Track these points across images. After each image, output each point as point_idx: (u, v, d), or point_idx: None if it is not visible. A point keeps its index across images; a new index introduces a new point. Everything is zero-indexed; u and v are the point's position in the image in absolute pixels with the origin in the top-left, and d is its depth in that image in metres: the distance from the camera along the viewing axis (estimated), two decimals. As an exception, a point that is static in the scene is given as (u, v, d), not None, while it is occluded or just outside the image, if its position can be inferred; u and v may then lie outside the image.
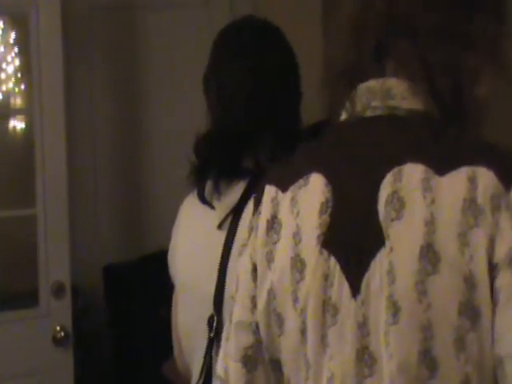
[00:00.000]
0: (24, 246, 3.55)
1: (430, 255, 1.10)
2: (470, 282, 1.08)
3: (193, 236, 1.83)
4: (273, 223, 1.29)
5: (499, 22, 1.27)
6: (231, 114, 1.76)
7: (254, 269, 1.30)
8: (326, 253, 1.20)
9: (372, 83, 1.26)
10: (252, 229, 1.33)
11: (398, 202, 1.14)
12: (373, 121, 1.25)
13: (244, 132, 1.75)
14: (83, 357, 3.49)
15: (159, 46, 3.99)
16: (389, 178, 1.15)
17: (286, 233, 1.26)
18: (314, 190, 1.24)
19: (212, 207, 1.75)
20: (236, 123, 1.75)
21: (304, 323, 1.22)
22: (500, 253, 1.08)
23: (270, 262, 1.28)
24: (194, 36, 3.87)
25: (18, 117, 4.05)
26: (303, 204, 1.25)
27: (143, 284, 3.56)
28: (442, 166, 1.13)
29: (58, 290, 3.17)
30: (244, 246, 1.35)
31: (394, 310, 1.11)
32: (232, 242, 1.69)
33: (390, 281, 1.12)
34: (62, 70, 3.18)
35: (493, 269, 1.08)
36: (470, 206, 1.09)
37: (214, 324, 1.69)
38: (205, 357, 1.70)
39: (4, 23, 3.80)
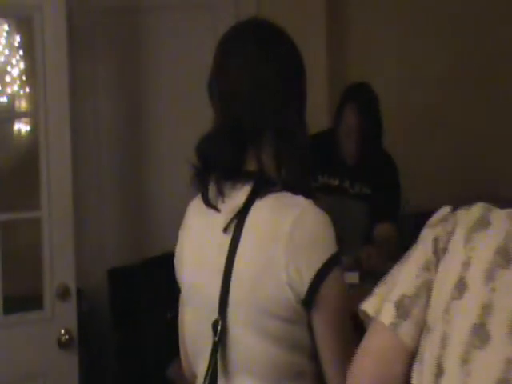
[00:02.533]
0: (29, 248, 3.55)
1: None
2: None
3: (199, 239, 1.83)
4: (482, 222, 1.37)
5: None
6: (233, 114, 1.75)
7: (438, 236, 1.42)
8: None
9: None
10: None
11: None
12: None
13: (247, 134, 1.74)
14: (88, 359, 3.49)
15: (164, 48, 4.00)
16: None
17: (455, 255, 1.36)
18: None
19: (217, 210, 1.75)
20: (239, 125, 1.75)
21: (447, 333, 1.30)
22: None
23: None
24: (199, 37, 3.87)
25: (23, 119, 4.05)
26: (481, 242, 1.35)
27: (147, 287, 3.56)
28: None
29: (63, 293, 3.16)
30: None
31: None
32: (237, 246, 1.69)
33: None
34: (66, 73, 3.18)
35: None
36: None
37: (219, 328, 1.68)
38: (210, 360, 1.70)
39: (9, 26, 3.80)
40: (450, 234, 1.36)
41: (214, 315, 1.69)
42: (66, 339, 3.16)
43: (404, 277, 1.41)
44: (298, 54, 1.82)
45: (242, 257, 1.68)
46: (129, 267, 3.70)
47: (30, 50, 3.47)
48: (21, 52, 3.93)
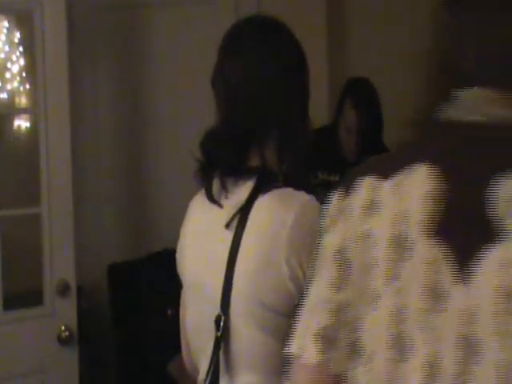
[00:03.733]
0: (29, 244, 3.55)
1: None
2: None
3: (201, 235, 1.83)
4: (370, 206, 1.31)
5: None
6: (237, 111, 1.76)
7: (344, 247, 1.32)
8: (432, 240, 1.22)
9: (477, 91, 1.30)
10: (340, 212, 1.35)
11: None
12: (481, 126, 1.29)
13: (250, 130, 1.75)
14: (88, 356, 3.49)
15: (164, 45, 4.00)
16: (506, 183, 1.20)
17: (386, 214, 1.29)
18: (420, 179, 1.27)
19: (220, 206, 1.75)
20: (242, 121, 1.75)
21: (403, 304, 1.24)
22: None
23: (366, 239, 1.30)
24: (199, 34, 3.87)
25: (23, 116, 4.05)
26: (408, 191, 1.28)
27: (148, 282, 3.56)
28: None
29: (63, 289, 3.17)
30: (328, 227, 1.36)
31: (507, 298, 1.14)
32: (239, 242, 1.69)
33: (503, 272, 1.16)
34: (66, 69, 3.18)
35: None
36: None
37: (221, 323, 1.68)
38: (212, 356, 1.70)
39: (9, 23, 3.80)
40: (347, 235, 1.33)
41: (217, 310, 1.69)
42: (66, 335, 3.16)
43: (316, 305, 1.34)
44: (301, 51, 1.83)
45: (245, 252, 1.68)
46: (129, 263, 3.70)
47: (29, 46, 3.47)
48: (21, 48, 3.93)
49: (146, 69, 4.05)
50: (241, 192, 1.72)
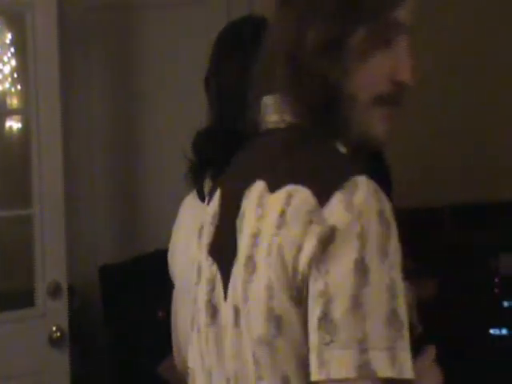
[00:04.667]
0: (20, 246, 3.55)
1: (250, 265, 1.22)
2: (270, 290, 1.18)
3: (192, 235, 1.83)
4: (203, 225, 1.44)
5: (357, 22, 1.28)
6: (230, 112, 1.76)
7: None
8: (210, 260, 1.35)
9: (263, 99, 1.37)
10: None
11: (242, 218, 1.27)
12: (260, 136, 1.38)
13: (242, 131, 1.75)
14: (79, 356, 3.49)
15: (156, 46, 4.00)
16: (245, 195, 1.28)
17: (202, 238, 1.42)
18: (213, 203, 1.40)
19: (212, 206, 1.75)
20: (235, 121, 1.75)
21: (198, 322, 1.38)
22: (303, 261, 1.16)
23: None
24: (191, 35, 3.87)
25: (15, 117, 4.04)
26: (207, 216, 1.41)
27: (139, 284, 3.56)
28: (275, 183, 1.23)
29: (55, 290, 3.16)
30: None
31: (235, 314, 1.25)
32: None
33: (233, 288, 1.26)
34: (58, 71, 3.18)
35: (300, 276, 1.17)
36: (280, 218, 1.19)
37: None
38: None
39: (0, 23, 3.79)
40: None
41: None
42: (58, 336, 3.16)
43: None
44: None
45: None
46: (120, 264, 3.70)
47: (21, 47, 3.46)
48: (12, 49, 3.93)
49: (137, 69, 4.05)
50: (232, 192, 1.72)
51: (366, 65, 1.28)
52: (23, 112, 3.68)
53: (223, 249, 1.31)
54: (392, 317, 1.13)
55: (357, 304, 1.12)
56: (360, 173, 1.19)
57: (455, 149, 4.34)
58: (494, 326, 3.72)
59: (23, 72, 3.51)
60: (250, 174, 1.30)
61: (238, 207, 1.28)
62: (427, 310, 3.66)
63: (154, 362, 2.96)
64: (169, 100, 3.97)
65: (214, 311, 1.32)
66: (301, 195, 1.19)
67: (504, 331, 3.72)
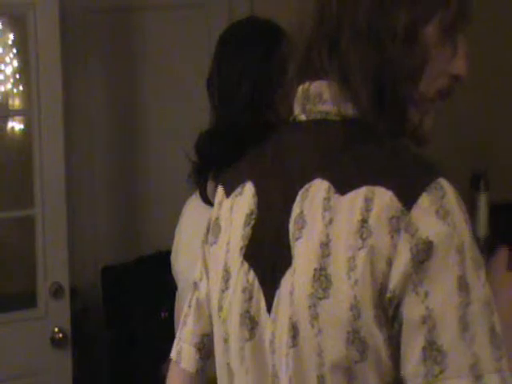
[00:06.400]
0: (22, 247, 3.55)
1: (321, 279, 1.07)
2: (355, 309, 1.04)
3: (195, 236, 1.83)
4: (214, 225, 1.30)
5: (432, 16, 1.17)
6: (233, 113, 1.76)
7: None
8: (246, 265, 1.20)
9: (306, 85, 1.22)
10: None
11: (301, 221, 1.12)
12: (301, 127, 1.23)
13: (246, 131, 1.75)
14: (81, 358, 3.49)
15: (156, 47, 3.99)
16: (298, 197, 1.14)
17: (222, 239, 1.27)
18: (244, 199, 1.24)
19: (215, 207, 1.75)
20: (238, 122, 1.75)
21: (227, 333, 1.23)
22: (395, 279, 1.03)
23: (207, 263, 1.33)
24: (191, 37, 3.87)
25: (17, 118, 4.04)
26: (236, 213, 1.25)
27: (141, 285, 3.55)
28: (344, 183, 1.09)
29: (57, 291, 3.16)
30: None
31: (293, 332, 1.10)
32: None
33: (290, 302, 1.11)
34: (60, 71, 3.18)
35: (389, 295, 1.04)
36: (362, 227, 1.05)
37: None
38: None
39: (2, 24, 3.79)
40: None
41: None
42: (60, 337, 3.16)
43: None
44: None
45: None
46: (122, 266, 3.69)
47: (23, 48, 3.46)
48: (14, 50, 3.92)
49: (138, 70, 4.04)
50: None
51: (435, 57, 1.18)
52: (25, 113, 3.68)
53: (267, 255, 1.17)
54: (494, 334, 1.03)
55: (464, 326, 1.01)
56: (441, 175, 1.07)
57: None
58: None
59: (25, 73, 3.51)
60: (300, 171, 1.16)
61: (288, 209, 1.14)
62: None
63: (157, 363, 2.95)
64: (171, 101, 3.96)
65: (252, 325, 1.18)
66: (382, 198, 1.05)
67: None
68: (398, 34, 1.14)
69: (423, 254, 1.01)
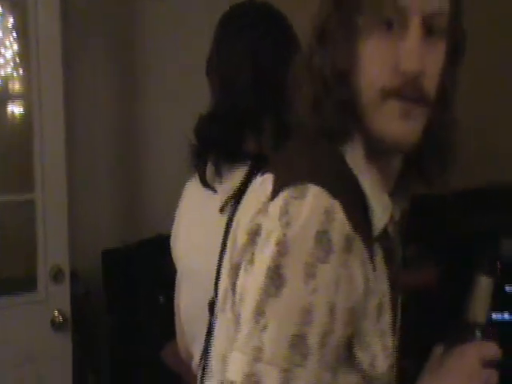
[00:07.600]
0: (22, 230, 3.55)
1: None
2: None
3: (195, 220, 1.83)
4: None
5: None
6: (233, 96, 1.76)
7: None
8: None
9: None
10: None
11: None
12: None
13: (246, 115, 1.75)
14: (81, 341, 3.50)
15: (158, 31, 3.98)
16: None
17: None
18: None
19: (214, 191, 1.75)
20: (238, 106, 1.75)
21: None
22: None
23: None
24: (193, 23, 3.86)
25: (17, 101, 4.03)
26: None
27: (141, 268, 3.56)
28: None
29: (57, 275, 3.17)
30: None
31: None
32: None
33: None
34: (60, 55, 3.17)
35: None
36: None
37: (215, 308, 1.69)
38: (205, 341, 1.71)
39: (2, 8, 3.77)
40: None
41: (210, 295, 1.70)
42: (60, 321, 3.17)
43: None
44: (296, 37, 1.82)
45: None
46: (123, 249, 3.70)
47: (23, 32, 3.45)
48: (14, 34, 3.91)
49: (140, 54, 4.04)
50: (235, 177, 1.72)
51: (365, 52, 1.16)
52: (25, 97, 3.67)
53: None
54: (298, 341, 1.07)
55: (259, 311, 1.10)
56: (323, 184, 1.08)
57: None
58: (495, 311, 3.73)
59: (25, 57, 3.50)
60: None
61: None
62: (428, 297, 3.66)
63: (156, 347, 2.96)
64: (171, 86, 3.96)
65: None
66: (265, 181, 1.19)
67: (506, 316, 3.73)
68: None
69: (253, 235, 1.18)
